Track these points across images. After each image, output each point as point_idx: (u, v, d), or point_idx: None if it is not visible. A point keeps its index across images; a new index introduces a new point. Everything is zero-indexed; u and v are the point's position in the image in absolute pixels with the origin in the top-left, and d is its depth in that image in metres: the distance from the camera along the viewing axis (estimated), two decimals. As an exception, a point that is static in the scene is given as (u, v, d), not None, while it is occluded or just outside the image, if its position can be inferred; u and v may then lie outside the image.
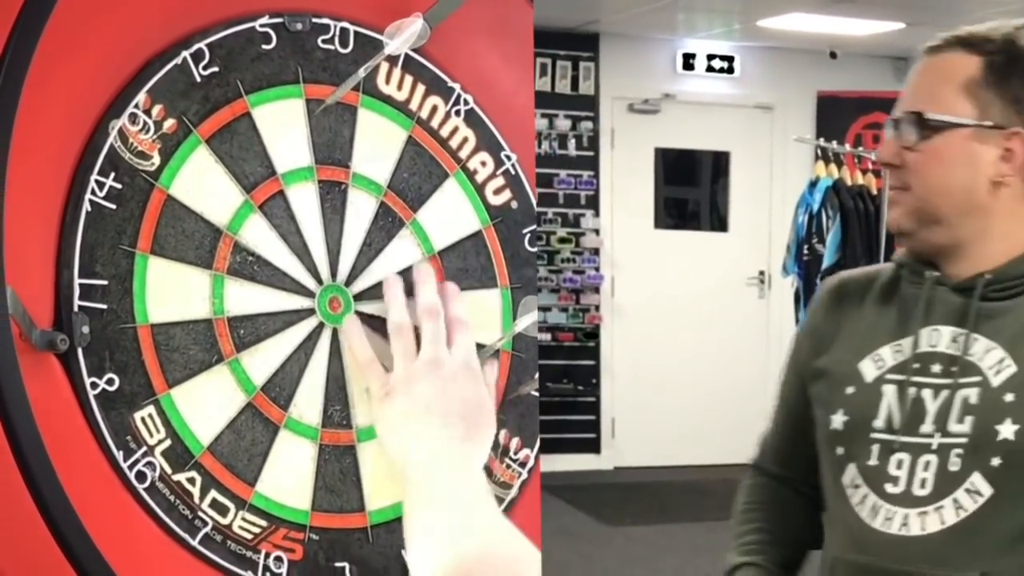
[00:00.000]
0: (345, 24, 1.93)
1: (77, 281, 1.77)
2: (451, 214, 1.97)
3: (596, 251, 10.70)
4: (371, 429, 1.93)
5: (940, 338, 2.00)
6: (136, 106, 1.81)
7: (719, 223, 11.25)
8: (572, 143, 10.58)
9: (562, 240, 10.51)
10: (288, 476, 1.90)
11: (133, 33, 1.83)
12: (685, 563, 7.26)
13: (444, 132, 1.98)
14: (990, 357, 1.94)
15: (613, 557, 7.33)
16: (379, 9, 1.93)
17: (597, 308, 10.67)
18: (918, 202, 2.03)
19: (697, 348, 10.84)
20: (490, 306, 1.98)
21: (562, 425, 10.09)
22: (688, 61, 10.88)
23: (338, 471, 1.92)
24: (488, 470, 1.98)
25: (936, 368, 1.98)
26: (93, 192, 1.78)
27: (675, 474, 9.95)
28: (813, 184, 8.54)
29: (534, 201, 2.03)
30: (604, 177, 10.72)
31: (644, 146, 10.94)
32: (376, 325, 1.93)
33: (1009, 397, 1.91)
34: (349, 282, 1.93)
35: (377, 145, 1.94)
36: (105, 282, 1.79)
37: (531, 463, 2.01)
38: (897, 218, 2.06)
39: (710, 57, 10.92)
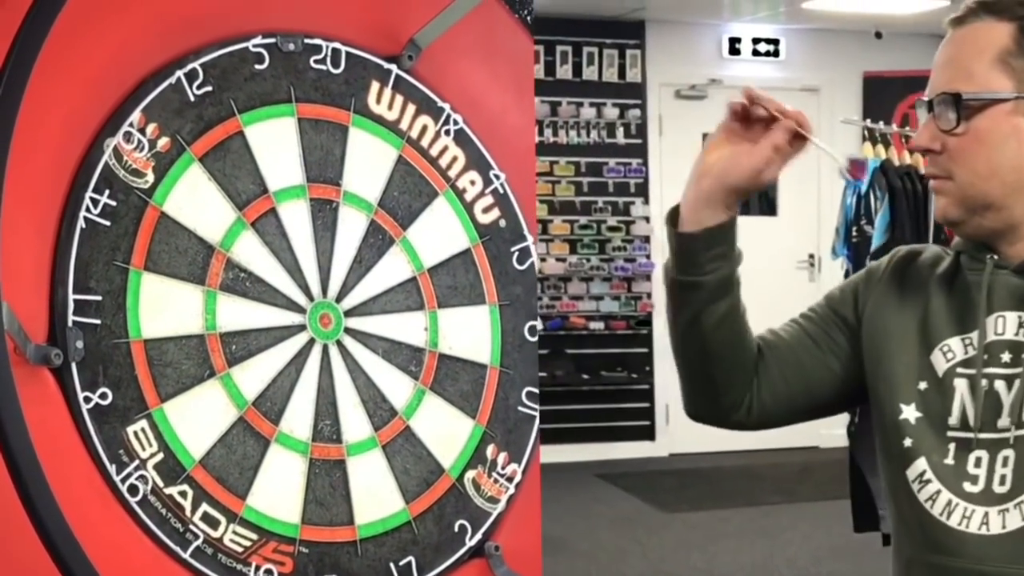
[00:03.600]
0: (337, 45, 1.95)
1: (71, 297, 1.80)
2: (441, 232, 1.99)
3: (647, 239, 10.68)
4: (361, 444, 1.96)
5: (1007, 324, 1.91)
6: (131, 125, 1.84)
7: (768, 207, 11.18)
8: (620, 131, 10.55)
9: (612, 228, 10.49)
10: (279, 490, 1.92)
11: (128, 53, 1.85)
12: (741, 547, 7.25)
13: (434, 151, 2.00)
14: None
15: (670, 543, 7.33)
16: (370, 31, 1.96)
17: (649, 296, 10.65)
18: (965, 189, 1.92)
19: (748, 333, 10.78)
20: (478, 323, 2.00)
21: (617, 413, 10.08)
22: (734, 45, 10.80)
23: (328, 485, 1.94)
24: (476, 484, 2.01)
25: (1006, 357, 1.89)
26: (88, 209, 1.81)
27: (729, 459, 9.91)
28: (861, 165, 8.48)
29: (523, 219, 2.04)
30: (653, 164, 10.69)
31: (692, 132, 10.88)
32: (370, 343, 1.95)
33: None
34: (340, 298, 1.95)
35: (368, 164, 1.96)
36: (99, 298, 1.82)
37: (519, 478, 2.03)
38: (944, 208, 1.95)
39: (756, 41, 10.83)
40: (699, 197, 1.86)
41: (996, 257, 1.92)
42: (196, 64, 1.88)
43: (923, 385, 1.94)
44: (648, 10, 10.30)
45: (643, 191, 10.80)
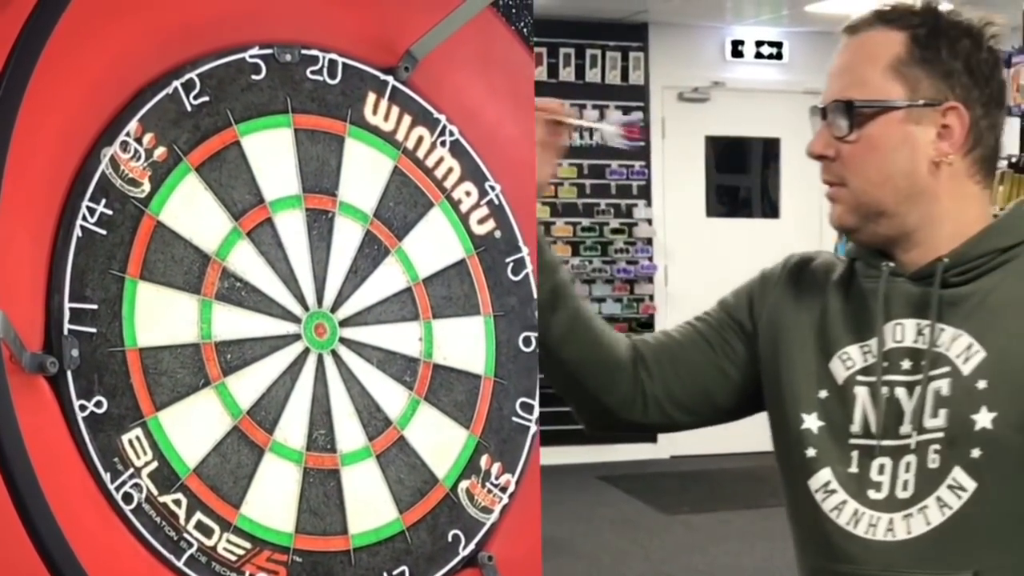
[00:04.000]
0: (334, 56, 1.96)
1: (67, 305, 1.81)
2: (436, 243, 2.00)
3: (649, 241, 10.70)
4: (355, 453, 1.96)
5: (905, 332, 1.91)
6: (128, 134, 1.85)
7: (771, 210, 11.21)
8: (623, 133, 10.59)
9: (615, 231, 10.51)
10: (273, 499, 1.93)
11: (125, 62, 1.86)
12: (743, 549, 7.27)
13: (429, 162, 2.01)
14: (957, 345, 1.85)
15: (671, 545, 7.35)
16: (367, 41, 1.96)
17: (651, 298, 10.67)
18: (859, 196, 1.92)
19: (749, 336, 10.79)
20: (473, 333, 2.00)
21: (616, 415, 10.14)
22: (737, 48, 10.85)
23: (322, 494, 1.95)
24: (469, 494, 2.01)
25: (906, 364, 1.89)
26: (84, 218, 1.82)
27: (731, 461, 9.93)
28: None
29: (518, 230, 2.05)
30: (656, 167, 10.72)
31: (695, 135, 10.92)
32: (365, 353, 1.96)
33: (982, 384, 1.83)
34: (335, 308, 1.96)
35: (364, 174, 1.97)
36: (95, 306, 1.83)
37: (512, 488, 2.03)
38: (839, 216, 1.95)
39: (759, 44, 10.88)
40: None
41: (892, 264, 1.92)
42: (193, 74, 1.89)
43: (823, 394, 1.95)
44: (651, 13, 10.34)
45: (646, 193, 10.84)
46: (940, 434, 1.84)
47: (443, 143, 2.01)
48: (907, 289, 1.92)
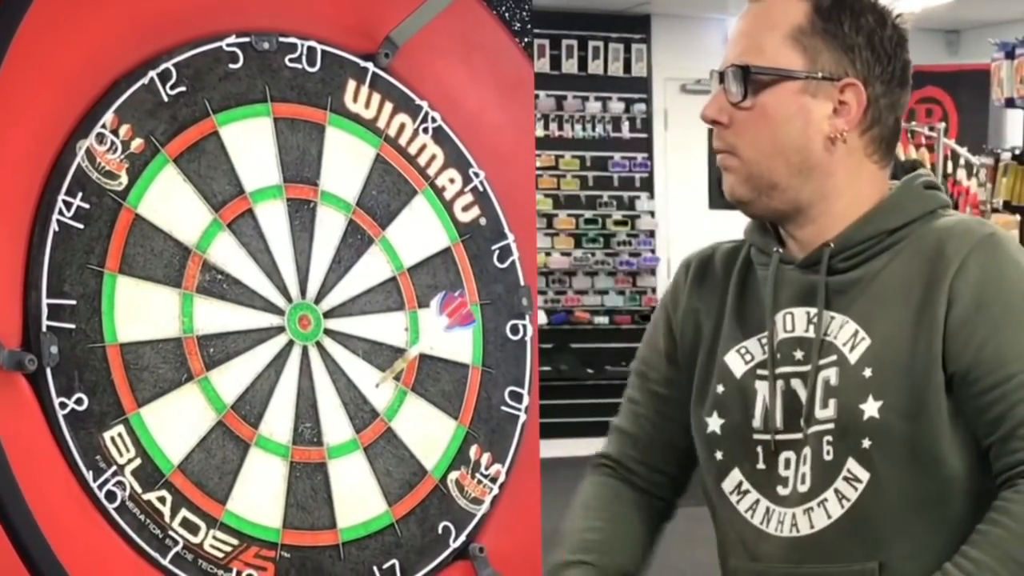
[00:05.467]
0: (312, 43, 1.93)
1: (45, 301, 1.78)
2: (420, 231, 1.98)
3: (652, 233, 10.67)
4: (342, 446, 1.94)
5: (795, 321, 1.86)
6: (103, 126, 1.82)
7: (773, 205, 11.20)
8: (626, 125, 10.55)
9: (618, 223, 10.48)
10: (259, 494, 1.91)
11: (100, 53, 1.84)
12: (745, 543, 7.24)
13: (412, 149, 1.98)
14: (844, 332, 1.80)
15: (674, 537, 7.30)
16: (346, 28, 1.94)
17: (654, 290, 10.64)
18: (750, 166, 1.86)
19: (752, 328, 10.78)
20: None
21: (616, 408, 10.11)
22: (740, 40, 10.83)
23: (309, 488, 1.93)
24: (459, 485, 1.99)
25: (798, 354, 1.84)
26: (61, 212, 1.79)
27: (734, 454, 9.94)
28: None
29: (503, 217, 2.02)
30: (658, 159, 10.69)
31: (697, 126, 10.85)
32: (350, 344, 1.94)
33: (867, 372, 1.77)
34: (319, 300, 1.93)
35: (345, 163, 1.95)
36: (73, 302, 1.80)
37: (503, 479, 2.01)
38: (732, 187, 1.89)
39: (762, 36, 10.85)
40: None
41: (781, 251, 1.88)
42: (169, 64, 1.87)
43: (720, 388, 1.90)
44: (653, 4, 10.30)
45: (648, 185, 10.80)
46: (831, 425, 1.79)
47: (426, 130, 1.98)
48: (796, 277, 1.87)
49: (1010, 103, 7.21)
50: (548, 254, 10.03)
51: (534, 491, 2.02)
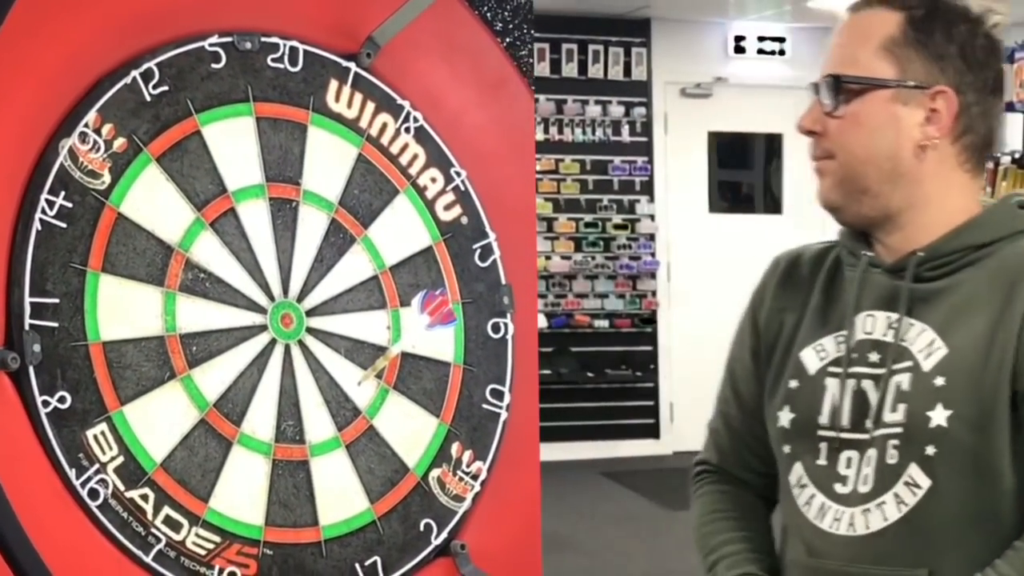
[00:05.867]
0: (294, 43, 1.94)
1: (28, 300, 1.79)
2: (402, 230, 1.98)
3: (651, 237, 10.65)
4: (324, 444, 1.94)
5: (875, 324, 1.89)
6: (86, 125, 1.83)
7: (773, 205, 11.15)
8: (626, 129, 10.53)
9: (618, 227, 10.47)
10: (242, 492, 1.91)
11: (83, 53, 1.84)
12: (743, 547, 7.23)
13: (394, 149, 1.99)
14: (921, 340, 1.82)
15: (675, 541, 7.31)
16: (328, 28, 1.95)
17: (654, 294, 10.62)
18: (843, 171, 1.90)
19: (753, 332, 10.76)
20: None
21: (621, 411, 10.06)
22: (739, 44, 10.78)
23: (291, 486, 1.93)
24: (441, 483, 1.99)
25: (874, 357, 1.87)
26: (43, 211, 1.80)
27: (734, 458, 9.92)
28: (865, 165, 8.46)
29: (484, 216, 2.03)
30: (658, 162, 10.67)
31: (697, 130, 10.86)
32: (332, 342, 1.94)
33: (939, 381, 1.80)
34: (301, 298, 1.94)
35: (328, 162, 1.95)
36: (56, 300, 1.81)
37: (484, 476, 2.01)
38: (825, 192, 1.93)
39: (761, 39, 10.81)
40: None
41: (870, 255, 1.90)
42: (152, 64, 1.87)
43: (794, 383, 1.92)
44: (653, 8, 10.28)
45: (648, 189, 10.78)
46: (899, 429, 1.82)
47: (407, 129, 1.99)
48: (881, 281, 1.90)
49: (1010, 107, 7.19)
50: (548, 258, 10.02)
51: (516, 489, 2.02)
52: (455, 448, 1.99)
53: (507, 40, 2.02)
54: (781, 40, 11.02)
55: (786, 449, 1.92)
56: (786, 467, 1.94)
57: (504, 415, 2.03)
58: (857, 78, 1.86)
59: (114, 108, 1.85)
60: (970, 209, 1.91)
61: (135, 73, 1.86)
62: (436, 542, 2.00)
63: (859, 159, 1.86)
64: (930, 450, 1.80)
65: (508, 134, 2.06)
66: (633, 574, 6.78)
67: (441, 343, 1.99)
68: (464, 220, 2.01)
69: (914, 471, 1.81)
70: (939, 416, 1.79)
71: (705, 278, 10.66)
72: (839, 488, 1.86)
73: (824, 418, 1.87)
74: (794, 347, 1.94)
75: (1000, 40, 1.92)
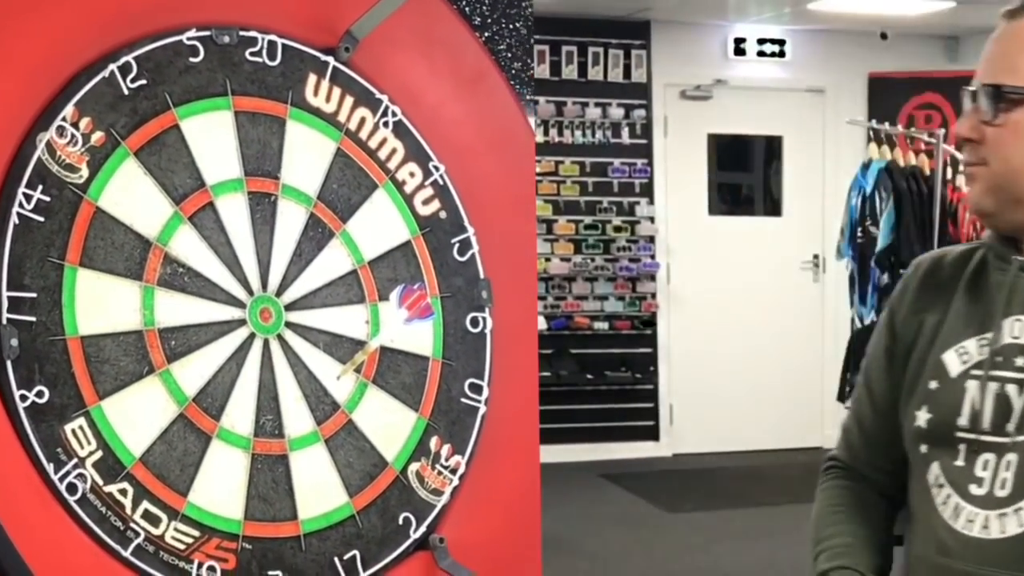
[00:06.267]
0: (273, 37, 1.94)
1: (5, 294, 1.79)
2: (380, 224, 1.98)
3: (651, 239, 10.64)
4: (303, 438, 1.94)
5: None
6: (64, 119, 1.83)
7: (773, 208, 11.13)
8: (625, 131, 10.53)
9: (617, 228, 10.46)
10: (221, 486, 1.91)
11: (60, 47, 1.84)
12: (745, 547, 7.20)
13: (373, 143, 1.99)
14: None
15: (674, 543, 7.30)
16: (306, 23, 1.94)
17: (653, 296, 10.60)
18: (997, 179, 1.90)
19: (752, 333, 10.72)
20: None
21: (621, 413, 10.04)
22: (739, 46, 10.77)
23: (270, 480, 1.93)
24: (419, 477, 1.99)
25: (1020, 361, 1.87)
26: (21, 205, 1.80)
27: (733, 460, 9.86)
28: (866, 166, 8.42)
29: (463, 211, 2.03)
30: (658, 164, 10.66)
31: (697, 132, 10.86)
32: (311, 336, 1.94)
33: None
34: (280, 293, 1.94)
35: (306, 157, 1.95)
36: (34, 295, 1.81)
37: (463, 470, 2.01)
38: (977, 197, 1.94)
39: (761, 41, 10.80)
40: None
41: (1022, 259, 1.89)
42: (130, 57, 1.87)
43: (934, 385, 1.91)
44: (653, 10, 10.28)
45: (648, 191, 10.78)
46: None
47: (386, 124, 1.99)
48: None
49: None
50: (548, 259, 10.01)
51: (497, 482, 2.02)
52: (434, 442, 1.99)
53: (485, 35, 2.02)
54: (781, 43, 11.02)
55: (923, 449, 1.91)
56: (922, 467, 1.93)
57: (483, 409, 2.03)
58: (1018, 88, 1.86)
59: (92, 102, 1.85)
60: None
61: (113, 67, 1.86)
62: (415, 536, 2.00)
63: (1016, 168, 1.86)
64: None
65: (486, 128, 2.05)
66: (632, 576, 6.78)
67: (419, 337, 1.99)
68: (443, 214, 2.01)
69: None
70: None
71: (705, 280, 10.66)
72: (974, 490, 1.85)
73: (964, 420, 1.86)
74: (934, 348, 1.93)
75: None
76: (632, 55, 10.66)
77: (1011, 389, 1.84)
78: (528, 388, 2.03)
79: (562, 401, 9.29)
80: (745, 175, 11.45)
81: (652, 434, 10.40)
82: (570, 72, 10.59)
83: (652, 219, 10.63)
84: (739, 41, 10.91)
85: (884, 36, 10.28)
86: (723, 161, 11.02)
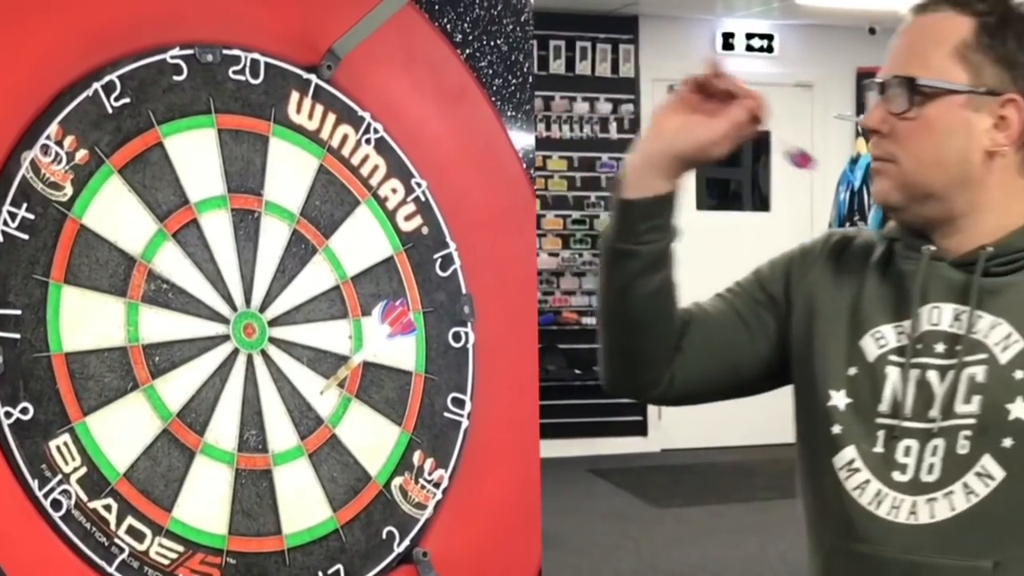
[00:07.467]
0: (255, 55, 1.95)
1: (-10, 311, 1.80)
2: (363, 240, 2.00)
3: (640, 233, 10.67)
4: (287, 453, 1.95)
5: (942, 316, 1.90)
6: (48, 137, 1.84)
7: (761, 203, 11.16)
8: (613, 126, 10.54)
9: (605, 223, 10.49)
10: (205, 501, 1.92)
11: (44, 66, 1.85)
12: (734, 543, 7.23)
13: (355, 160, 2.00)
14: (996, 333, 1.85)
15: (662, 538, 7.33)
16: (289, 41, 1.96)
17: (642, 290, 10.67)
18: (907, 175, 1.91)
19: (741, 328, 10.79)
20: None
21: (608, 408, 10.06)
22: (728, 41, 10.80)
23: (254, 495, 1.94)
24: (403, 491, 2.01)
25: (939, 348, 1.88)
26: (5, 223, 1.81)
27: (722, 455, 9.90)
28: (854, 161, 8.45)
29: (445, 227, 2.04)
30: (646, 159, 10.69)
31: (685, 128, 10.90)
32: (295, 352, 1.95)
33: (1019, 374, 1.82)
34: (263, 308, 1.95)
35: (289, 173, 1.96)
36: (18, 312, 1.82)
37: (446, 484, 2.03)
38: (885, 191, 1.95)
39: (749, 36, 10.83)
40: (644, 162, 1.85)
41: (933, 248, 1.91)
42: (113, 76, 1.88)
43: (852, 371, 1.93)
44: (641, 5, 10.28)
45: (636, 186, 10.73)
46: (972, 420, 1.84)
47: (368, 141, 2.00)
48: (947, 274, 1.91)
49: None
50: (536, 255, 10.05)
51: (480, 496, 2.03)
52: (417, 456, 2.01)
53: (467, 52, 2.03)
54: (769, 37, 11.03)
55: (836, 430, 1.92)
56: (831, 447, 1.93)
57: (465, 423, 2.04)
58: (932, 82, 1.87)
59: (76, 120, 1.86)
60: None
61: (97, 85, 1.87)
62: (399, 550, 2.02)
63: (927, 163, 1.88)
64: (1007, 442, 1.81)
65: (469, 145, 2.07)
66: (621, 571, 6.80)
67: (402, 352, 2.01)
68: (425, 230, 2.03)
69: (988, 462, 1.82)
70: (1019, 409, 1.81)
71: (692, 275, 10.58)
72: (898, 476, 1.87)
73: (884, 406, 1.88)
74: (851, 334, 1.94)
75: None
76: (620, 50, 10.67)
77: (932, 375, 1.87)
78: (524, 402, 2.05)
79: (550, 396, 9.32)
80: (733, 170, 11.46)
81: (640, 429, 10.42)
82: (558, 67, 10.58)
83: (640, 214, 10.59)
84: (727, 36, 10.92)
85: (872, 31, 10.29)
86: (711, 156, 11.00)
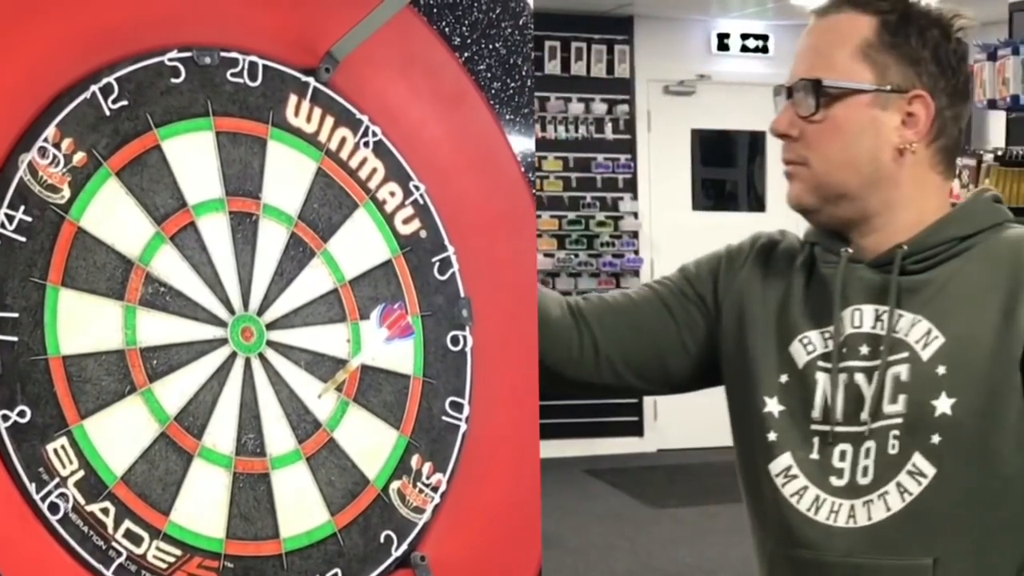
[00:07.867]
0: (254, 58, 1.94)
1: (-13, 314, 1.80)
2: (361, 244, 1.99)
3: (635, 234, 10.69)
4: (284, 456, 1.95)
5: (863, 318, 1.91)
6: (45, 140, 1.84)
7: (757, 203, 11.22)
8: (609, 127, 10.59)
9: (601, 224, 10.50)
10: (202, 505, 1.92)
11: (41, 68, 1.85)
12: (730, 542, 7.25)
13: (353, 163, 2.00)
14: (916, 331, 1.85)
15: (658, 538, 7.35)
16: (287, 43, 1.95)
17: (637, 291, 10.69)
18: (820, 177, 1.92)
19: (736, 329, 10.81)
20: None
21: (604, 409, 10.09)
22: (723, 41, 10.86)
23: (252, 499, 1.94)
24: (401, 495, 2.00)
25: (864, 350, 1.89)
26: (3, 225, 1.81)
27: (718, 455, 9.92)
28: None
29: (443, 230, 2.04)
30: (641, 160, 10.72)
31: (680, 128, 10.93)
32: (292, 355, 1.95)
33: (941, 370, 1.82)
34: (261, 312, 1.94)
35: (287, 176, 1.96)
36: (16, 315, 1.81)
37: (443, 488, 2.02)
38: (798, 195, 1.96)
39: (744, 36, 10.89)
40: None
41: (850, 250, 1.91)
42: (111, 78, 1.88)
43: (784, 378, 1.94)
44: (636, 5, 10.33)
45: (631, 186, 10.83)
46: (899, 420, 1.84)
47: (366, 144, 2.00)
48: (865, 275, 1.92)
49: (992, 104, 7.22)
50: (536, 259, 10.07)
51: (478, 500, 2.03)
52: (415, 460, 2.00)
53: (465, 55, 2.03)
54: (764, 38, 11.07)
55: (771, 436, 1.93)
56: (765, 454, 1.94)
57: (464, 427, 2.04)
58: (837, 83, 1.87)
59: (73, 123, 1.86)
60: (943, 209, 1.94)
61: (94, 88, 1.87)
62: (396, 554, 2.01)
63: (837, 164, 1.88)
64: (935, 438, 1.82)
65: (467, 148, 2.06)
66: (617, 571, 6.82)
67: (401, 356, 2.00)
68: (423, 234, 2.03)
69: (918, 460, 1.83)
70: (943, 404, 1.82)
71: (689, 275, 10.65)
72: (834, 481, 1.88)
73: (816, 412, 1.89)
74: (780, 340, 1.94)
75: (967, 44, 1.94)
76: (615, 50, 10.71)
77: (860, 378, 1.88)
78: (524, 406, 2.05)
79: (543, 397, 9.34)
80: (729, 171, 11.51)
81: (636, 430, 10.44)
82: (553, 67, 10.61)
83: (635, 214, 10.67)
84: (722, 36, 10.97)
85: (867, 32, 10.32)
86: (707, 156, 11.07)
